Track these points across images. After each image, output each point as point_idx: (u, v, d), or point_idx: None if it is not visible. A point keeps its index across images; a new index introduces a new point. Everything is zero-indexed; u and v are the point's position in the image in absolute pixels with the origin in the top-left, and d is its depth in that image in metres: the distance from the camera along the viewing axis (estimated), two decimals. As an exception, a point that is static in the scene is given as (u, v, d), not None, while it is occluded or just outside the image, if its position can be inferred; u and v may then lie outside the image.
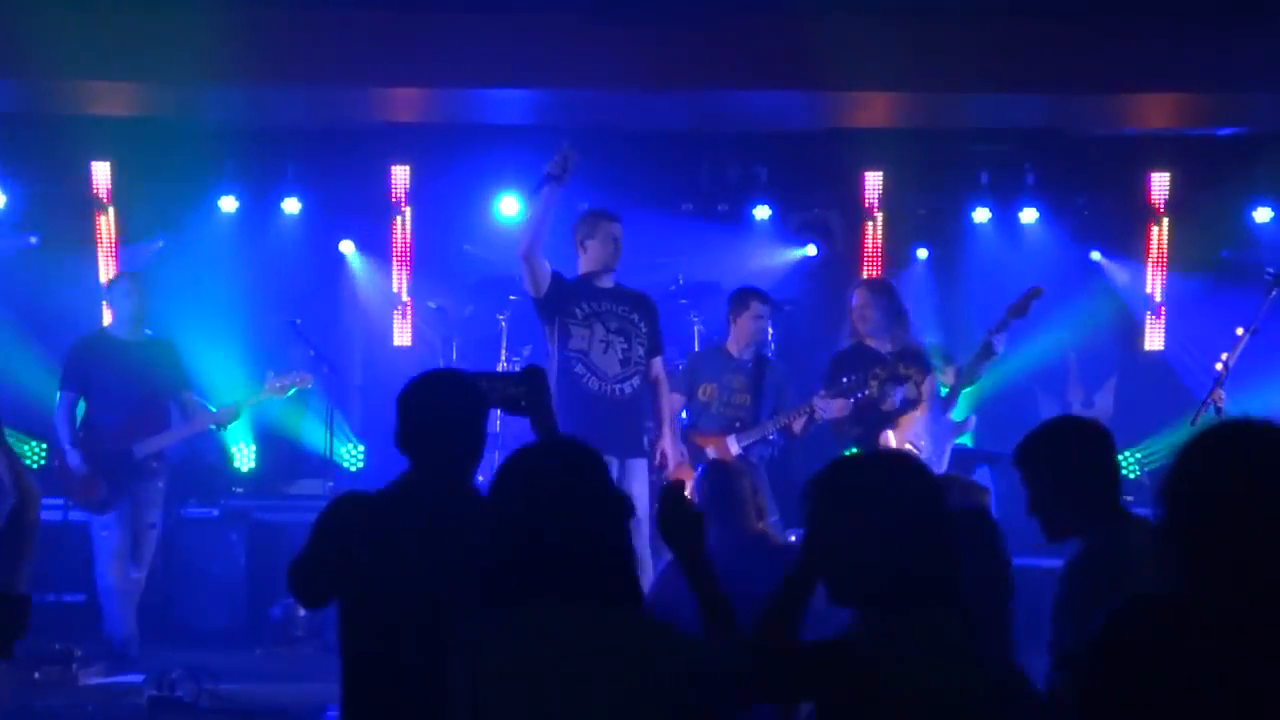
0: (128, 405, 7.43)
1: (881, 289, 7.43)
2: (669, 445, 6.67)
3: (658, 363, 6.70)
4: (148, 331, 7.64)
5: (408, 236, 9.49)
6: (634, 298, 6.66)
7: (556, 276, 6.51)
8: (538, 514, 2.64)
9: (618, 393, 6.46)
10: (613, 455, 6.21)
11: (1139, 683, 2.26)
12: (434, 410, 3.42)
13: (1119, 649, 2.30)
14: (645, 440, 6.67)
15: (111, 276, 7.96)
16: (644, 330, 6.58)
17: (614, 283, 6.64)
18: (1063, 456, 3.59)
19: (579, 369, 6.45)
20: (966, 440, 7.90)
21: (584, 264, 6.63)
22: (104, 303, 7.82)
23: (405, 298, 9.50)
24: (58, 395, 7.51)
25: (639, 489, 6.36)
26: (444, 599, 3.02)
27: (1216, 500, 2.28)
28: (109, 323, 7.79)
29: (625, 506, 2.72)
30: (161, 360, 7.57)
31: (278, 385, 7.73)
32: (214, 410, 7.55)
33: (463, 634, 2.65)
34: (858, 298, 7.30)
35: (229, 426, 7.81)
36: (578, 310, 6.48)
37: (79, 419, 7.46)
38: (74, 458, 7.34)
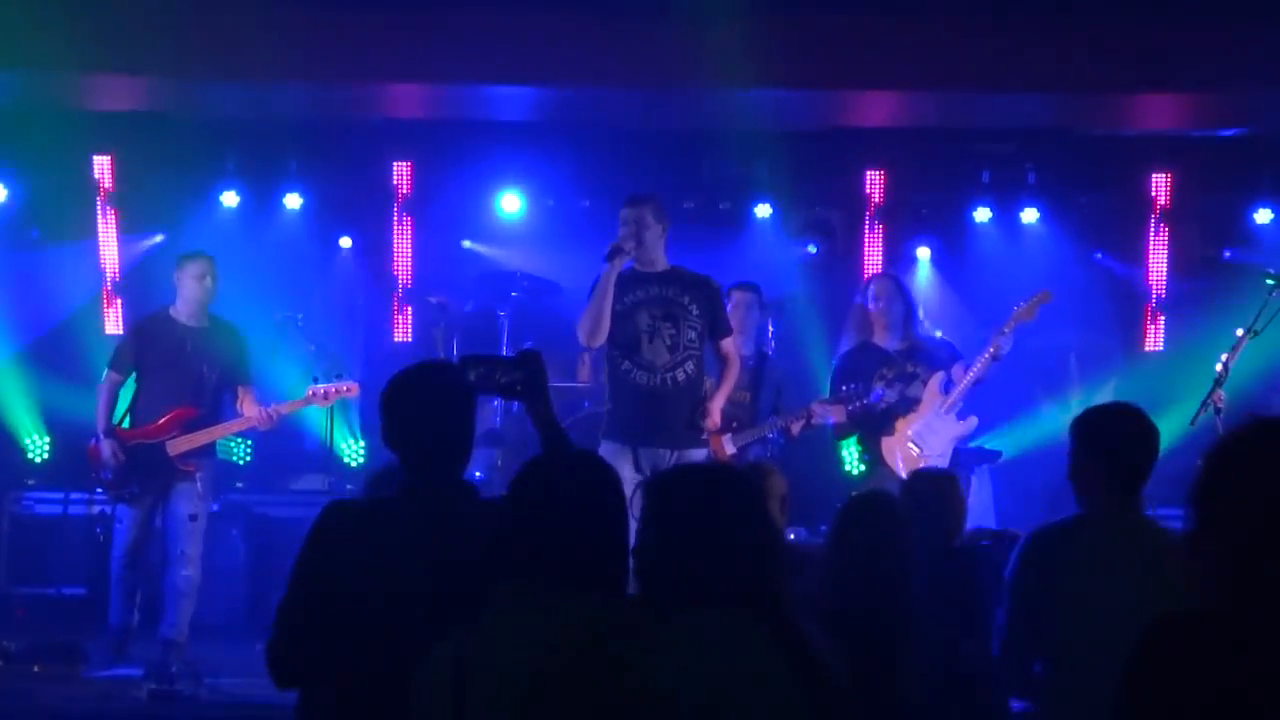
0: (174, 396, 7.14)
1: (898, 283, 7.38)
2: (717, 405, 6.50)
3: (728, 343, 6.53)
4: (212, 316, 7.33)
5: (409, 232, 9.50)
6: (690, 280, 6.44)
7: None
8: (542, 515, 2.76)
9: (669, 382, 6.30)
10: (667, 448, 6.23)
11: (1178, 707, 2.14)
12: (415, 408, 3.35)
13: (1155, 670, 2.19)
14: (704, 428, 6.48)
15: (186, 253, 7.47)
16: (695, 313, 6.37)
17: (669, 265, 6.42)
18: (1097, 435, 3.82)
19: (625, 365, 6.30)
20: (985, 443, 7.92)
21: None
22: (174, 280, 7.30)
23: (406, 293, 9.51)
24: (104, 372, 7.25)
25: None
26: (439, 597, 3.02)
27: (1263, 506, 2.15)
28: (176, 305, 7.31)
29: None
30: (221, 349, 7.27)
31: (321, 393, 7.38)
32: (259, 413, 7.18)
33: (444, 642, 2.72)
34: (878, 289, 7.20)
35: (266, 430, 7.39)
36: (616, 307, 6.30)
37: (125, 403, 7.22)
38: (107, 447, 7.09)
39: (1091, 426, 3.87)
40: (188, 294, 7.26)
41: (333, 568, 3.24)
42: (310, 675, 3.27)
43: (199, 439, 7.16)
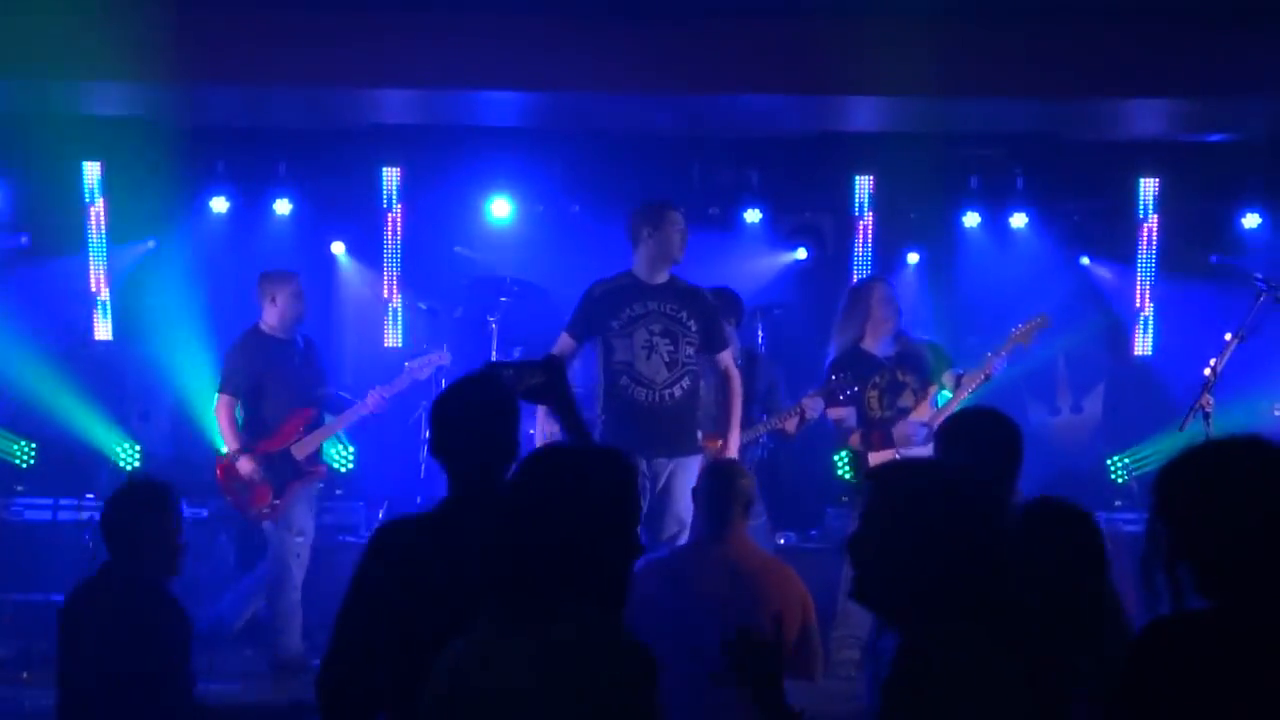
0: (289, 406, 7.32)
1: (893, 289, 7.31)
2: (734, 449, 6.49)
3: (725, 356, 6.51)
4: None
5: (398, 238, 9.50)
6: (686, 293, 6.43)
7: (584, 304, 6.40)
8: (541, 515, 2.67)
9: (667, 398, 6.32)
10: (664, 458, 6.27)
11: (1175, 710, 2.17)
12: (466, 418, 3.37)
13: (1151, 673, 2.21)
14: (699, 434, 6.49)
15: (275, 271, 7.52)
16: (694, 328, 6.37)
17: (669, 276, 6.39)
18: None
19: (624, 381, 6.30)
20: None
21: (640, 259, 6.40)
22: (267, 299, 7.36)
23: (395, 299, 9.51)
24: (216, 396, 7.36)
25: (691, 485, 6.22)
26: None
27: (1244, 517, 2.21)
28: (268, 321, 7.38)
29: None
30: (312, 358, 7.49)
31: (417, 366, 7.59)
32: (367, 399, 7.39)
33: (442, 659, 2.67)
34: (874, 295, 7.11)
35: (375, 412, 7.51)
36: (614, 322, 6.33)
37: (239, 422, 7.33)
38: (246, 465, 7.21)
39: (957, 431, 3.77)
40: (286, 310, 7.36)
41: (393, 586, 3.25)
42: (366, 704, 3.25)
43: (322, 436, 7.43)
